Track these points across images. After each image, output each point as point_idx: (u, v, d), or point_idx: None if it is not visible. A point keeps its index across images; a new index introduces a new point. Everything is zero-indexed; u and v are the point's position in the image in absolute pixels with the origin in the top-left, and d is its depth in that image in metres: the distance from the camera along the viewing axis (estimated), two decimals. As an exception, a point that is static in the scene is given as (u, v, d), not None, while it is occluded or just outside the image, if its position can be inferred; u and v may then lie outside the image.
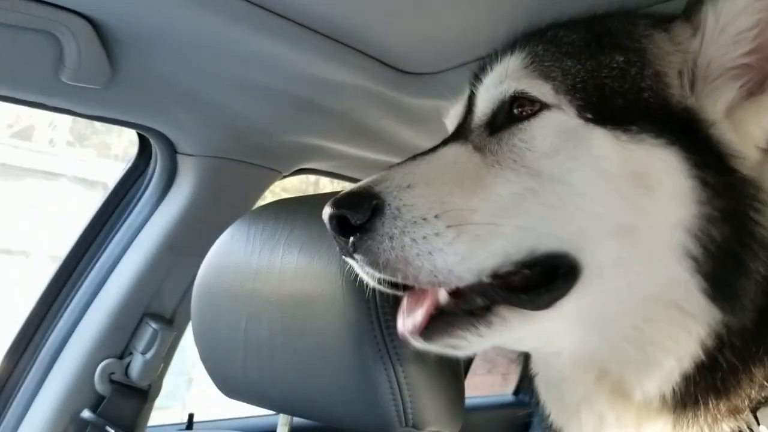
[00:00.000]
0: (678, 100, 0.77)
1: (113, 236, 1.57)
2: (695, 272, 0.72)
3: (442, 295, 0.74)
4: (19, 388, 1.49)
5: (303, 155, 1.58)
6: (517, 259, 0.72)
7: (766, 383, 0.73)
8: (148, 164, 1.58)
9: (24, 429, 1.46)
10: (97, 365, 1.49)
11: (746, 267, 0.72)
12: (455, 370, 0.91)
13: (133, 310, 1.52)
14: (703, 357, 0.72)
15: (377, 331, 0.80)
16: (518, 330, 0.74)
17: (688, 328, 0.73)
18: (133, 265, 1.52)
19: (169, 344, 1.57)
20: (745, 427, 0.74)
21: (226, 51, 1.13)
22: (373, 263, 0.71)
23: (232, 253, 1.02)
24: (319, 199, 0.99)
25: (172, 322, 1.58)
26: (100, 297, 1.53)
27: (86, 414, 1.48)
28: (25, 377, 1.49)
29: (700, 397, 0.73)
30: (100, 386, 1.49)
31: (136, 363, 1.53)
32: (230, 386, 1.04)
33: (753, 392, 0.73)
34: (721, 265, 0.72)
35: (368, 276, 0.74)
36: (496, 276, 0.72)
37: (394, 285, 0.73)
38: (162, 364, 1.58)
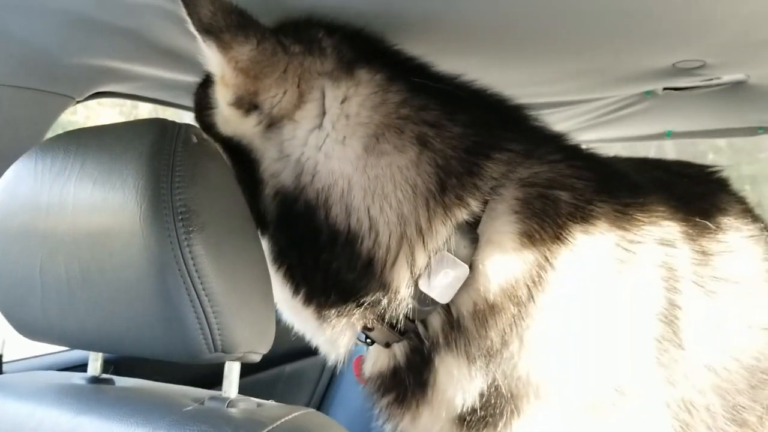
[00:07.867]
0: None
1: None
2: None
3: None
4: None
5: (98, 78, 1.46)
6: None
7: None
8: None
9: None
10: None
11: None
12: (265, 291, 0.93)
13: None
14: None
15: (180, 261, 0.80)
16: None
17: None
18: None
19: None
20: None
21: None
22: None
23: (20, 191, 0.95)
24: (112, 130, 0.94)
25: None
26: None
27: None
28: None
29: None
30: None
31: None
32: (30, 329, 1.00)
33: None
34: None
35: None
36: None
37: None
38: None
